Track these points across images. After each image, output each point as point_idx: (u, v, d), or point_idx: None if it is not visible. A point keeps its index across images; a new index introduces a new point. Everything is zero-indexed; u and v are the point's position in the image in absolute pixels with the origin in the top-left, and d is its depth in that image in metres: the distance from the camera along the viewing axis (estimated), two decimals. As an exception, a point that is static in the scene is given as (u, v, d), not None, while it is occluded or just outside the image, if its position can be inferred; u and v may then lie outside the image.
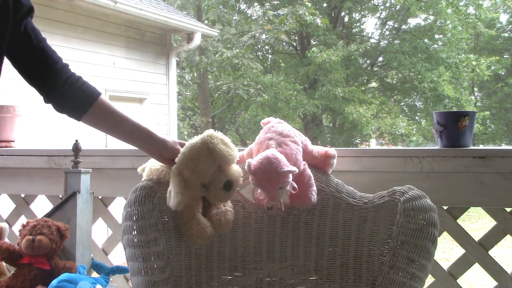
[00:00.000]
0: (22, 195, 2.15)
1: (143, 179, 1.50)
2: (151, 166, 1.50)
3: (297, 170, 1.37)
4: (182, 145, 1.44)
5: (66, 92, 1.38)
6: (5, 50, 1.30)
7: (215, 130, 1.40)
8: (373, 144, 18.58)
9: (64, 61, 1.41)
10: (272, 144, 1.43)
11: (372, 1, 16.85)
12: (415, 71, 14.46)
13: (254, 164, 1.35)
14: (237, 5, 17.08)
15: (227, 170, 1.38)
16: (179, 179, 1.33)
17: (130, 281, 1.75)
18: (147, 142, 1.43)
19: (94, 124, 1.43)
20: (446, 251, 7.24)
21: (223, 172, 1.37)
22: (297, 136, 1.49)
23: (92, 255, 1.69)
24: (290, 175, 1.35)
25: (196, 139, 1.38)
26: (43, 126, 5.26)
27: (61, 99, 1.39)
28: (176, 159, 1.37)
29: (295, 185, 1.38)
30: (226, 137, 1.40)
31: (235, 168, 1.41)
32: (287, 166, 1.34)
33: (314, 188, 1.43)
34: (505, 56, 16.69)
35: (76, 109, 1.40)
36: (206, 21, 13.80)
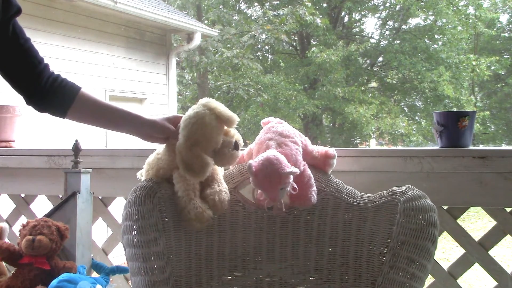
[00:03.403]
0: (22, 195, 2.15)
1: (142, 179, 1.51)
2: (148, 160, 1.50)
3: (298, 171, 1.37)
4: (172, 120, 1.43)
5: (49, 91, 1.37)
6: None
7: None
8: (373, 144, 18.58)
9: (45, 61, 1.40)
10: (272, 144, 1.43)
11: (372, 1, 16.85)
12: (415, 71, 14.46)
13: (255, 165, 1.35)
14: (237, 5, 17.08)
15: (229, 131, 1.43)
16: (197, 150, 1.33)
17: (130, 281, 1.75)
18: (135, 125, 1.43)
19: (79, 117, 1.43)
20: (446, 251, 7.24)
21: (227, 134, 1.42)
22: (297, 136, 1.48)
23: (92, 255, 1.69)
24: (291, 176, 1.35)
25: (195, 109, 1.38)
26: (43, 126, 5.26)
27: (44, 98, 1.39)
28: (181, 136, 1.36)
29: (295, 186, 1.38)
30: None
31: (236, 132, 1.46)
32: (288, 167, 1.34)
33: (314, 188, 1.43)
34: (505, 56, 16.69)
35: (61, 106, 1.40)
36: (206, 21, 13.80)
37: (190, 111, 1.39)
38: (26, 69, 1.36)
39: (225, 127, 1.42)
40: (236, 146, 1.42)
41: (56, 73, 1.41)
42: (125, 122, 1.43)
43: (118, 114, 1.43)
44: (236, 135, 1.44)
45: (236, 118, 1.39)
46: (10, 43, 1.33)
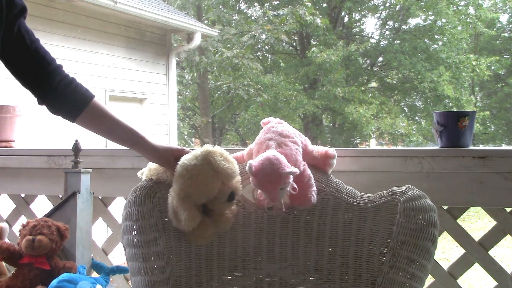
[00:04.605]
0: (22, 195, 2.15)
1: (143, 178, 1.51)
2: (150, 166, 1.51)
3: (298, 171, 1.37)
4: (175, 153, 1.42)
5: (60, 94, 1.37)
6: None
7: (212, 146, 1.40)
8: (373, 144, 18.58)
9: (59, 62, 1.40)
10: (272, 144, 1.43)
11: (372, 1, 16.85)
12: (415, 71, 14.45)
13: (255, 165, 1.35)
14: (237, 5, 17.08)
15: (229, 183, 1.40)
16: (189, 203, 1.33)
17: (130, 281, 1.75)
18: (140, 147, 1.45)
19: (87, 126, 1.44)
20: (446, 251, 7.24)
21: (226, 185, 1.38)
22: (297, 137, 1.48)
23: (92, 255, 1.69)
24: (291, 176, 1.35)
25: (194, 157, 1.36)
26: (43, 126, 5.26)
27: (55, 100, 1.39)
28: (175, 184, 1.35)
29: (295, 186, 1.38)
30: (224, 150, 1.40)
31: (239, 183, 1.43)
32: (288, 168, 1.34)
33: (314, 188, 1.43)
34: (505, 56, 16.69)
35: (70, 112, 1.40)
36: (206, 21, 13.79)
37: (191, 159, 1.36)
38: (35, 70, 1.36)
39: None
40: (231, 197, 1.38)
41: (71, 76, 1.41)
42: (132, 143, 1.46)
43: (126, 133, 1.44)
44: (236, 184, 1.40)
45: (234, 173, 1.37)
46: (16, 44, 1.33)
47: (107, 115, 1.43)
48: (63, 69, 1.40)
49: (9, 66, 1.35)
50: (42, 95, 1.39)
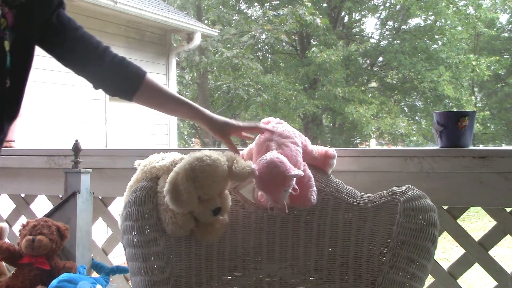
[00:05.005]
0: (22, 195, 2.15)
1: (138, 168, 1.50)
2: (156, 164, 1.48)
3: (302, 174, 1.37)
4: (231, 129, 1.46)
5: (114, 74, 1.40)
6: (34, 47, 1.30)
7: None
8: (373, 144, 18.58)
9: (105, 44, 1.41)
10: (272, 145, 1.43)
11: (372, 1, 16.85)
12: (415, 71, 14.45)
13: (259, 168, 1.35)
14: (237, 5, 17.08)
15: (225, 197, 1.40)
16: (191, 185, 1.32)
17: (130, 281, 1.75)
18: (194, 118, 1.48)
19: (144, 103, 1.47)
20: (446, 251, 7.24)
21: (221, 195, 1.38)
22: (297, 137, 1.48)
23: (92, 255, 1.69)
24: (294, 178, 1.35)
25: (221, 155, 1.38)
26: (43, 126, 5.26)
27: (110, 81, 1.41)
28: (188, 162, 1.34)
29: (296, 186, 1.38)
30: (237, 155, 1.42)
31: (230, 199, 1.43)
32: (293, 170, 1.34)
33: (314, 188, 1.43)
34: (505, 56, 16.69)
35: (126, 91, 1.42)
36: (206, 21, 13.80)
37: (221, 156, 1.37)
38: (84, 55, 1.37)
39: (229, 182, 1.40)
40: (216, 211, 1.36)
41: (120, 55, 1.42)
42: (187, 115, 1.50)
43: (180, 105, 1.46)
44: (227, 200, 1.41)
45: (245, 178, 1.38)
46: (59, 36, 1.34)
47: (161, 91, 1.47)
48: (111, 49, 1.41)
49: (60, 58, 1.37)
50: (97, 78, 1.41)
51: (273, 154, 1.38)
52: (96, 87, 1.42)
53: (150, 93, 1.44)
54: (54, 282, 1.37)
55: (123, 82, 1.41)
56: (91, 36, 1.39)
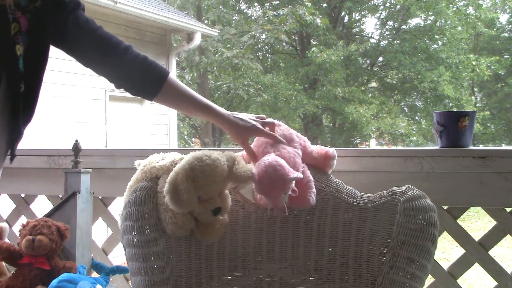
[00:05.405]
0: (22, 195, 2.15)
1: (138, 168, 1.50)
2: (156, 164, 1.47)
3: (302, 176, 1.37)
4: (249, 131, 1.44)
5: (136, 72, 1.38)
6: (48, 51, 1.30)
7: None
8: (373, 144, 18.59)
9: (127, 43, 1.40)
10: (269, 148, 1.43)
11: (372, 1, 16.87)
12: (415, 71, 14.47)
13: (258, 172, 1.35)
14: (237, 5, 17.10)
15: (225, 197, 1.40)
16: (190, 185, 1.31)
17: (130, 281, 1.75)
18: (217, 121, 1.46)
19: (164, 103, 1.46)
20: (446, 251, 7.24)
21: (221, 194, 1.38)
22: (296, 138, 1.48)
23: (92, 255, 1.69)
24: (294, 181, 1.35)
25: (221, 155, 1.37)
26: (43, 126, 5.26)
27: (132, 80, 1.39)
28: (188, 162, 1.33)
29: (295, 188, 1.38)
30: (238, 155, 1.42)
31: (229, 199, 1.42)
32: (292, 173, 1.33)
33: (314, 190, 1.43)
34: (505, 56, 16.71)
35: (148, 91, 1.41)
36: (206, 21, 13.80)
37: (221, 155, 1.36)
38: (104, 55, 1.36)
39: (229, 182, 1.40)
40: (216, 211, 1.36)
41: (143, 54, 1.40)
42: (209, 117, 1.47)
43: (202, 106, 1.44)
44: (227, 199, 1.40)
45: (246, 181, 1.37)
46: (78, 38, 1.34)
47: (184, 93, 1.44)
48: (133, 48, 1.40)
49: (80, 59, 1.36)
50: (118, 78, 1.39)
51: (271, 157, 1.37)
52: (118, 86, 1.41)
53: (173, 94, 1.42)
54: (54, 282, 1.37)
55: (145, 81, 1.40)
56: (111, 37, 1.38)
